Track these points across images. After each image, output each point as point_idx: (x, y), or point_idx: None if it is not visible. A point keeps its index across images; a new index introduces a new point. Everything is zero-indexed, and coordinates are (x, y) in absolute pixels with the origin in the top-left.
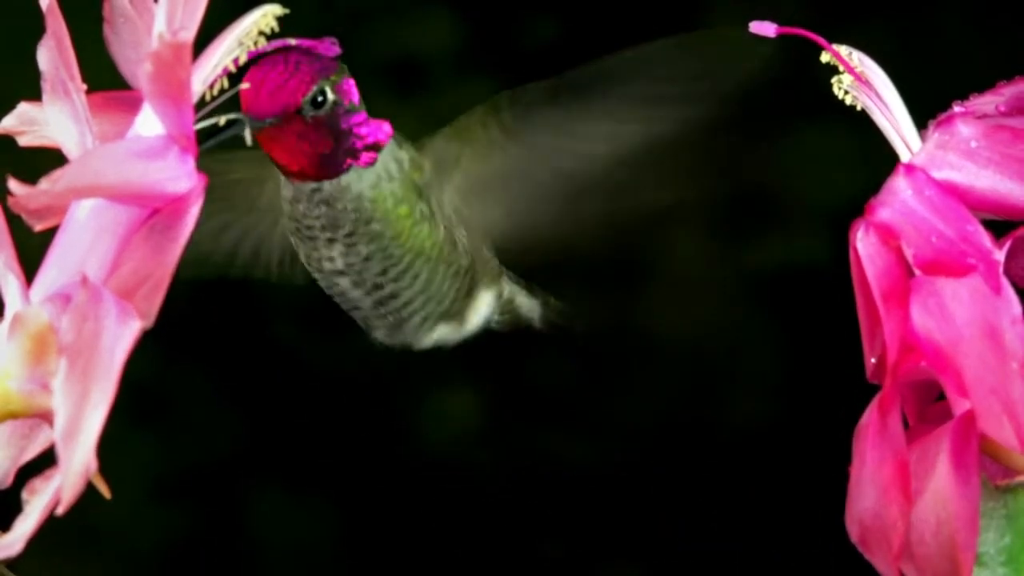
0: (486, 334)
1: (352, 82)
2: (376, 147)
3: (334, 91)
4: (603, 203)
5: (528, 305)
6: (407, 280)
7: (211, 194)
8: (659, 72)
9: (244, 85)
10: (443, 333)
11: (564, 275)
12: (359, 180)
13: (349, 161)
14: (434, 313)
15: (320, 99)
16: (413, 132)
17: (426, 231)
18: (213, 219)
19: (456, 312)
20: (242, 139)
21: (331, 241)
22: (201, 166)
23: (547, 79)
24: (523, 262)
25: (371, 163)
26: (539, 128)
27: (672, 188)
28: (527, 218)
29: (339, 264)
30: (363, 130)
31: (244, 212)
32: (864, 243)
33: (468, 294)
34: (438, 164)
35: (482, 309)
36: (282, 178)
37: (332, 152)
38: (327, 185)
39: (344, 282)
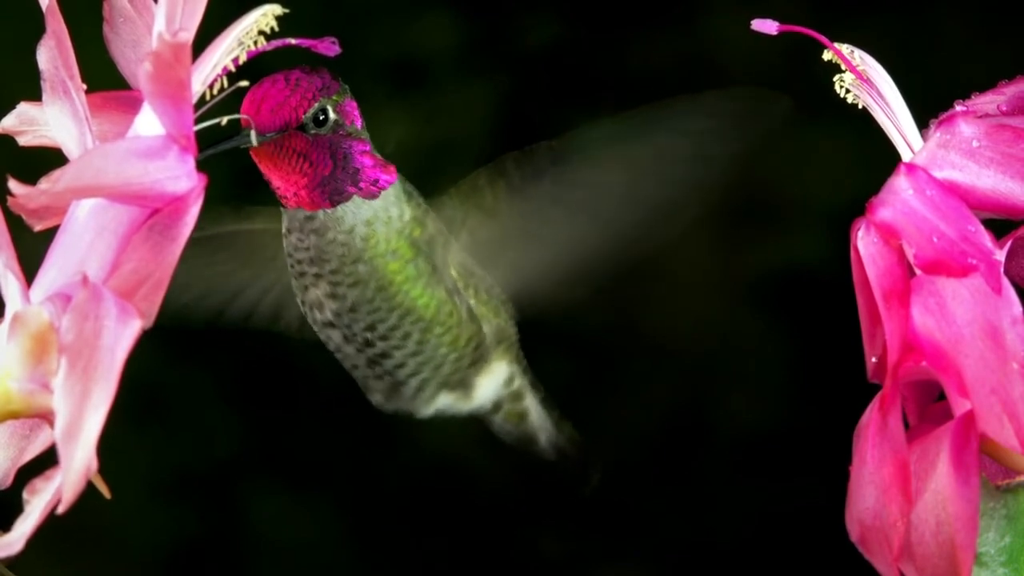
0: None
1: (354, 104)
2: (377, 182)
3: (336, 111)
4: (613, 248)
5: (538, 416)
6: (396, 340)
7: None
8: (672, 130)
9: (244, 86)
10: (446, 402)
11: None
12: (355, 213)
13: (351, 189)
14: (432, 379)
15: (322, 117)
16: (414, 132)
17: (418, 291)
18: (238, 274)
19: (460, 382)
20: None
21: (317, 278)
22: (224, 226)
23: (553, 139)
24: (530, 309)
25: (373, 196)
26: (546, 186)
27: (684, 219)
28: (536, 275)
29: (328, 312)
30: (367, 160)
31: (264, 266)
32: (865, 242)
33: (474, 364)
34: (444, 225)
35: (492, 382)
36: (283, 212)
37: (332, 175)
38: (321, 214)
39: (336, 336)
